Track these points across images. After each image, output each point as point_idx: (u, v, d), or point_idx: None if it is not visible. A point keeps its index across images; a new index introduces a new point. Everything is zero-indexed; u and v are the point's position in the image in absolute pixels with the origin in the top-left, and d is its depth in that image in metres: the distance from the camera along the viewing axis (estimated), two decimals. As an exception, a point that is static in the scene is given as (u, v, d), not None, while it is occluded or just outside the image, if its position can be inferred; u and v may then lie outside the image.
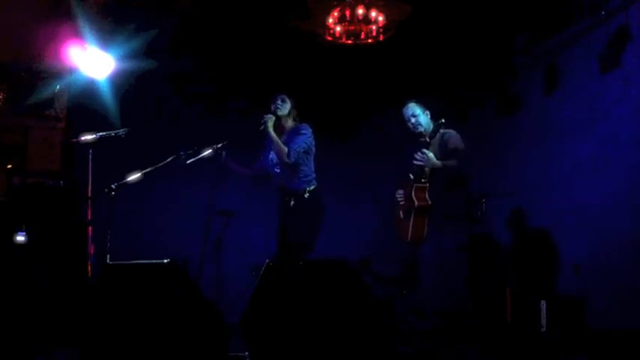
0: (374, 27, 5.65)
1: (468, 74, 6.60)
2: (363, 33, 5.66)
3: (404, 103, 5.29)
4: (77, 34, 5.49)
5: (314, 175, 5.25)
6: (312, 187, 5.19)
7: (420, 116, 5.21)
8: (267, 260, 4.23)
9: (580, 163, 5.71)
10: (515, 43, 6.40)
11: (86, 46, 5.42)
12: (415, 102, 5.28)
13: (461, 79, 6.42)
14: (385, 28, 5.72)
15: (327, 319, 3.95)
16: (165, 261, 4.02)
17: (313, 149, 5.24)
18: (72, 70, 5.76)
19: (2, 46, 5.74)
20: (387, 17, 5.67)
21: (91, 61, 5.42)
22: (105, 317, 3.93)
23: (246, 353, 4.11)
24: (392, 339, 4.68)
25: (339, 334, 3.93)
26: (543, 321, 5.08)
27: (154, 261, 4.06)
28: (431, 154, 4.97)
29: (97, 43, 5.46)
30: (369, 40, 5.71)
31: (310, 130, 5.22)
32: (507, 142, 6.19)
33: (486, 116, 6.87)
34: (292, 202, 5.19)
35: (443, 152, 5.06)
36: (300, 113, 5.39)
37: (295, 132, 5.21)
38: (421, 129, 5.19)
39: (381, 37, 5.74)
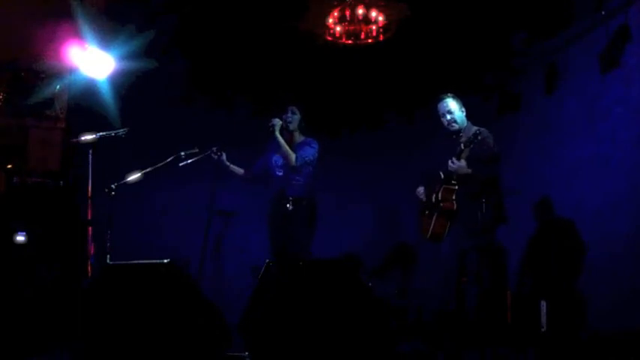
0: (374, 27, 5.66)
1: (469, 74, 6.60)
2: (363, 33, 5.67)
3: (438, 97, 4.93)
4: (77, 34, 5.49)
5: (313, 186, 5.41)
6: (309, 196, 5.35)
7: (455, 113, 4.88)
8: (267, 260, 4.24)
9: (580, 163, 5.70)
10: (515, 43, 6.39)
11: (86, 46, 5.42)
12: (452, 97, 4.92)
13: (461, 79, 6.41)
14: (385, 28, 5.73)
15: (327, 319, 3.96)
16: (165, 261, 4.02)
17: (315, 163, 5.42)
18: (72, 70, 5.76)
19: (2, 46, 5.74)
20: (387, 17, 5.68)
21: (91, 61, 5.42)
22: (105, 317, 3.93)
23: (246, 353, 4.12)
24: (392, 339, 4.68)
25: (339, 334, 3.93)
26: (543, 321, 5.08)
27: (154, 261, 4.07)
28: (463, 163, 4.64)
29: (97, 43, 5.46)
30: (369, 40, 5.73)
31: (318, 146, 5.44)
32: (507, 142, 6.17)
33: (486, 116, 6.85)
34: (290, 207, 5.24)
35: (476, 153, 4.67)
36: (301, 114, 5.44)
37: (305, 143, 5.44)
38: (456, 127, 4.88)
39: (381, 37, 5.75)
